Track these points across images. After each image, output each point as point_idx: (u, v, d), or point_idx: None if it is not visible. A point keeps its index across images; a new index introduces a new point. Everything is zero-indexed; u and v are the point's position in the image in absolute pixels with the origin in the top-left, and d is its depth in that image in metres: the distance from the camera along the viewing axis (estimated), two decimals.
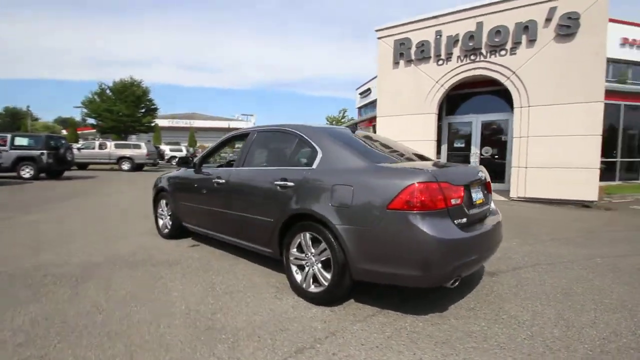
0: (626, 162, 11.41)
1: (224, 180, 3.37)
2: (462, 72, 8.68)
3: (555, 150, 7.49)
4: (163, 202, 4.48)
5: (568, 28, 7.19)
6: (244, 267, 3.36)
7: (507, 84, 8.12)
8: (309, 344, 2.01)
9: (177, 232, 4.34)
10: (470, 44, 8.35)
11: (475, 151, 9.76)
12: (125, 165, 18.87)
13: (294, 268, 2.71)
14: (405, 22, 9.38)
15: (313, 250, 2.55)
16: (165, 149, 27.28)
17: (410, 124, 9.35)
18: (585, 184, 7.22)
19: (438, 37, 8.82)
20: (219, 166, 4.30)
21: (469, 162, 9.68)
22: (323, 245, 2.45)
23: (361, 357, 1.89)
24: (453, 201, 2.16)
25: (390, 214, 2.12)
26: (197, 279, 3.03)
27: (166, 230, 4.44)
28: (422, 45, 9.03)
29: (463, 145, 10.11)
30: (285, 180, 2.74)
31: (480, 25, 8.20)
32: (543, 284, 3.00)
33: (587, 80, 7.15)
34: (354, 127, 3.37)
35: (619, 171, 11.23)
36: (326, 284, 2.45)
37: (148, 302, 2.56)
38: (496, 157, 9.63)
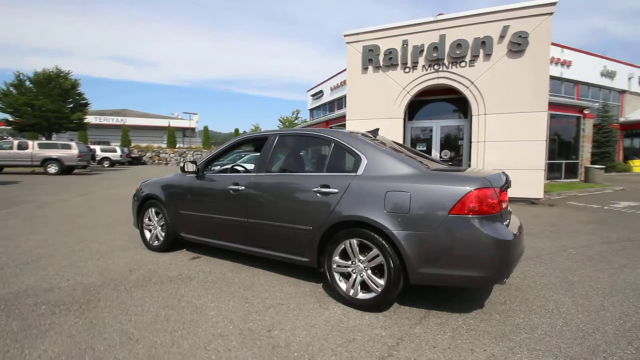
0: (549, 163, 13.28)
1: (242, 187, 3.17)
2: (426, 80, 9.29)
3: (508, 153, 8.42)
4: (152, 211, 4.05)
5: (518, 45, 8.15)
6: (267, 277, 3.20)
7: (467, 93, 8.90)
8: (386, 352, 2.01)
9: (171, 244, 3.96)
10: (434, 54, 8.99)
11: (435, 154, 10.51)
12: (52, 168, 16.59)
13: (337, 276, 2.67)
14: (373, 29, 9.73)
15: (361, 257, 2.54)
16: (96, 148, 24.45)
17: (380, 128, 9.70)
18: (533, 183, 8.25)
19: (404, 46, 9.32)
20: (220, 171, 4.03)
21: None
22: (375, 251, 2.46)
23: (431, 352, 1.95)
24: (503, 204, 2.34)
25: (452, 218, 2.21)
26: (225, 294, 2.82)
27: (156, 243, 4.03)
28: (390, 53, 9.46)
29: (425, 148, 10.81)
30: (326, 186, 2.69)
31: (443, 37, 8.87)
32: (544, 275, 3.37)
33: (534, 92, 8.18)
34: (375, 131, 3.43)
35: (546, 172, 13.03)
36: (379, 289, 2.46)
37: (186, 324, 2.31)
38: (453, 159, 10.50)
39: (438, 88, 9.59)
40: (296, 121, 35.63)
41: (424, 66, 9.24)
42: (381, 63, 9.63)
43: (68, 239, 4.53)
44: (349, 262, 2.61)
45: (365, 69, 9.91)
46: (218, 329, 2.25)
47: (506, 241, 2.20)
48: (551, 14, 7.94)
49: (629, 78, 22.39)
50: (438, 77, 9.17)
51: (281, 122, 35.88)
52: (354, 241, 2.56)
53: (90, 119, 30.05)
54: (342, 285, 2.64)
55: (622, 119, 21.44)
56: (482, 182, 2.26)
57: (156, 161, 29.58)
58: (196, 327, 2.27)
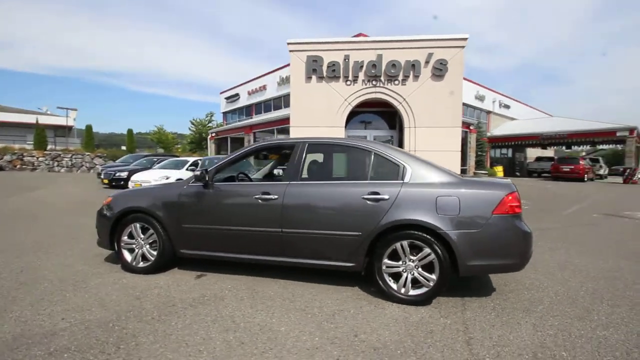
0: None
1: (275, 196, 3.07)
2: (365, 93, 10.17)
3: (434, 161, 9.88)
4: (135, 227, 3.48)
5: (440, 70, 9.70)
6: (299, 287, 3.15)
7: (400, 107, 10.10)
8: (466, 336, 2.31)
9: (164, 264, 3.48)
10: (373, 71, 9.93)
11: None
12: None
13: (387, 277, 2.86)
14: (316, 41, 10.16)
15: (412, 257, 2.80)
16: None
17: (324, 136, 10.14)
18: None
19: (346, 60, 10.02)
20: (227, 179, 3.73)
21: None
22: (426, 250, 2.75)
23: (514, 337, 2.35)
24: (522, 205, 2.92)
25: (495, 217, 2.68)
26: (276, 309, 2.70)
27: (142, 264, 3.49)
28: (333, 65, 10.02)
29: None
30: (376, 193, 2.86)
31: (380, 57, 9.88)
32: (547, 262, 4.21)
33: (450, 111, 9.84)
34: (388, 142, 3.73)
35: None
36: (431, 284, 2.76)
37: (268, 343, 2.17)
38: None
39: (373, 101, 10.58)
40: (210, 124, 33.51)
41: (363, 80, 10.10)
42: (325, 74, 10.11)
43: (30, 263, 3.49)
44: (399, 262, 2.84)
45: (309, 78, 10.24)
46: (307, 343, 2.19)
47: (530, 233, 2.78)
48: (463, 47, 9.73)
49: (493, 101, 28.65)
50: (376, 92, 10.14)
51: (193, 124, 33.22)
52: (405, 243, 2.80)
53: None
54: (393, 284, 2.85)
55: (488, 134, 27.19)
56: (510, 187, 2.80)
57: (18, 166, 23.16)
58: (282, 345, 2.16)
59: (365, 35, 15.26)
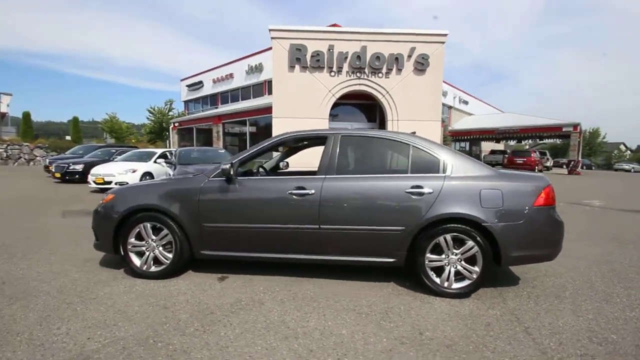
0: None
1: (312, 191, 2.89)
2: (350, 85, 10.11)
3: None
4: (145, 228, 3.11)
5: (422, 65, 9.90)
6: (337, 286, 3.02)
7: (383, 100, 10.19)
8: (522, 325, 2.36)
9: (181, 267, 3.17)
10: (357, 63, 9.87)
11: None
12: None
13: (429, 271, 2.84)
14: (300, 29, 9.84)
15: (455, 250, 2.80)
16: None
17: (307, 127, 9.92)
18: None
19: (330, 50, 9.84)
20: (246, 173, 3.45)
21: None
22: (470, 243, 2.76)
23: (562, 323, 2.44)
24: None
25: (536, 209, 2.75)
26: (325, 310, 2.56)
27: (155, 268, 3.15)
28: (318, 55, 9.80)
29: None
30: (419, 187, 2.80)
31: (364, 48, 9.84)
32: None
33: (432, 105, 10.13)
34: (414, 133, 3.71)
35: None
36: (474, 276, 2.78)
37: (339, 348, 2.04)
38: None
39: (355, 93, 10.56)
40: (171, 112, 31.44)
41: (347, 72, 10.01)
42: (308, 64, 9.86)
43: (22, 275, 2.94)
44: (442, 256, 2.82)
45: (292, 67, 9.92)
46: (377, 346, 2.09)
47: (563, 224, 2.90)
48: (444, 42, 10.00)
49: (454, 97, 30.15)
50: (360, 84, 10.11)
51: (152, 112, 30.89)
52: (449, 236, 2.79)
53: None
54: (436, 279, 2.83)
55: (450, 128, 28.64)
56: (546, 180, 2.89)
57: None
58: (355, 350, 2.04)
59: (339, 26, 15.13)
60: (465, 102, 33.35)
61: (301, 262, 3.08)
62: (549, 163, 26.67)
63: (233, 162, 3.06)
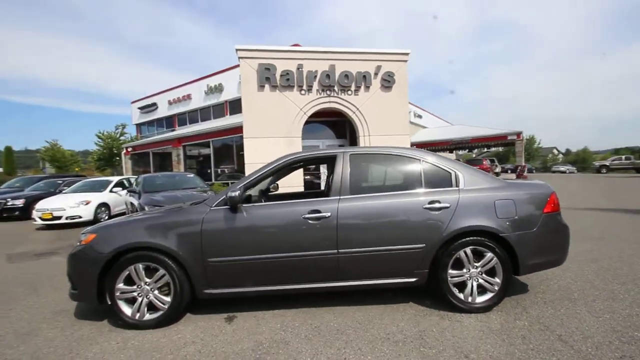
0: None
1: (328, 214, 2.73)
2: (320, 103, 10.16)
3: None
4: (137, 270, 2.72)
5: (388, 82, 10.29)
6: (359, 313, 2.86)
7: (354, 117, 10.36)
8: (554, 333, 2.36)
9: (180, 312, 2.81)
10: (327, 81, 9.99)
11: (323, 170, 11.53)
12: None
13: (452, 287, 2.78)
14: (268, 49, 9.78)
15: (477, 264, 2.78)
16: None
17: (279, 146, 9.75)
18: None
19: (300, 69, 9.88)
20: (246, 199, 3.19)
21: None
22: (490, 255, 2.76)
23: (587, 326, 2.48)
24: None
25: (545, 216, 2.83)
26: (356, 343, 2.37)
27: (151, 315, 2.76)
28: (287, 74, 9.77)
29: (313, 166, 11.64)
30: (437, 202, 2.77)
31: (333, 67, 10.01)
32: None
33: (400, 120, 10.50)
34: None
35: None
36: (496, 288, 2.77)
37: None
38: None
39: (326, 111, 10.65)
40: (122, 137, 29.37)
41: (317, 90, 10.08)
42: (278, 83, 9.78)
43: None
44: (463, 271, 2.79)
45: (261, 86, 9.77)
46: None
47: (569, 228, 3.01)
48: (406, 61, 10.51)
49: (409, 112, 31.83)
50: (330, 102, 10.22)
51: (101, 138, 28.59)
52: (468, 249, 2.77)
53: None
54: (459, 294, 2.78)
55: (410, 141, 30.11)
56: (549, 187, 3.01)
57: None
58: None
59: (299, 45, 15.39)
60: (420, 116, 35.36)
61: (317, 292, 2.87)
62: (498, 169, 28.90)
63: (238, 187, 2.81)
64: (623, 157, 31.20)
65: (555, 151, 69.19)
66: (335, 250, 2.73)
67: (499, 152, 53.33)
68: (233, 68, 22.25)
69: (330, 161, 3.00)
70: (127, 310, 2.73)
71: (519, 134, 24.29)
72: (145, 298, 2.74)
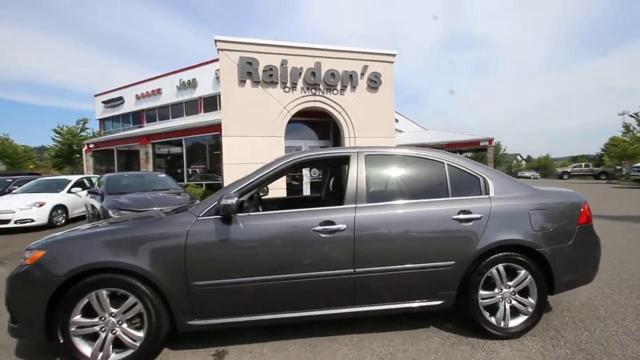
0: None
1: (343, 226, 2.27)
2: (305, 101, 9.68)
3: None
4: (100, 296, 2.13)
5: (375, 83, 10.01)
6: (377, 341, 2.43)
7: (339, 117, 9.98)
8: (590, 356, 2.06)
9: (156, 349, 2.24)
10: (312, 79, 9.54)
11: (306, 172, 11.05)
12: None
13: (483, 310, 2.42)
14: (250, 41, 9.17)
15: (509, 283, 2.44)
16: None
17: (260, 146, 9.17)
18: None
19: (284, 65, 9.35)
20: (242, 208, 2.66)
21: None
22: (524, 273, 2.43)
23: (632, 352, 2.20)
24: None
25: (580, 228, 2.54)
26: None
27: (118, 355, 2.17)
28: (270, 70, 9.21)
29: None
30: (467, 212, 2.40)
31: (319, 65, 9.58)
32: None
33: (386, 122, 10.26)
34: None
35: None
36: (530, 310, 2.45)
37: None
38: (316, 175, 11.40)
39: (311, 110, 10.19)
40: (84, 133, 27.18)
41: (302, 88, 9.60)
42: (261, 79, 9.20)
43: None
44: (495, 291, 2.44)
45: (242, 81, 9.15)
46: None
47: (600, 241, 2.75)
48: (392, 62, 10.30)
49: None
50: (315, 101, 9.77)
51: (59, 133, 26.23)
52: (501, 267, 2.42)
53: None
54: (491, 318, 2.42)
55: None
56: (580, 195, 2.73)
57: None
58: None
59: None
60: (396, 120, 35.80)
61: (328, 319, 2.40)
62: None
63: (233, 192, 2.29)
64: (583, 164, 33.33)
65: (519, 157, 73.05)
66: (352, 270, 2.27)
67: (468, 157, 55.31)
68: (209, 63, 21.22)
69: (340, 162, 2.55)
70: (85, 349, 2.12)
71: (490, 140, 25.11)
72: (110, 333, 2.14)
